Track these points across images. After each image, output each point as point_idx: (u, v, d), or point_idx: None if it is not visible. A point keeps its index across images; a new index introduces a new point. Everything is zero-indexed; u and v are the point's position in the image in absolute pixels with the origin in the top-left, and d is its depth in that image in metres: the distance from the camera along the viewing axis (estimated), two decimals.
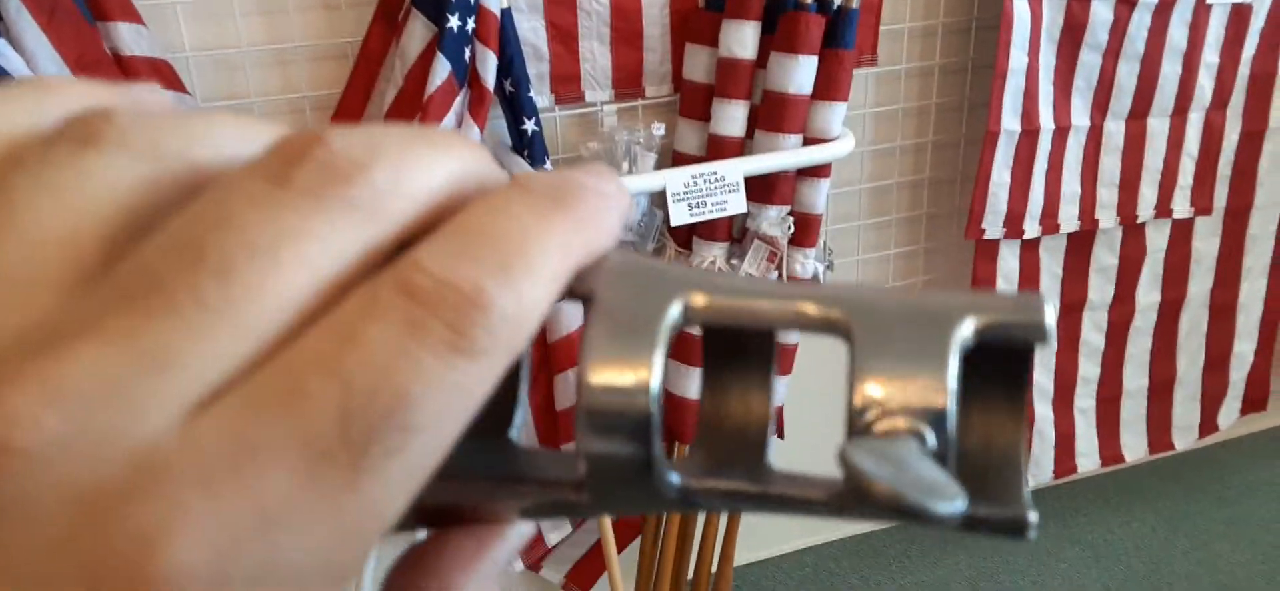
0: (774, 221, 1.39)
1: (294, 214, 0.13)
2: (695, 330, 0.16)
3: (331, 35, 1.24)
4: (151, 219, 0.13)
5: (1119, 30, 1.53)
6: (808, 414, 1.76)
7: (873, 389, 0.15)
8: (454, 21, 1.14)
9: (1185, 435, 1.95)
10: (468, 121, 1.19)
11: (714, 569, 1.66)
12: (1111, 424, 1.89)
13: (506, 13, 1.22)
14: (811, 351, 1.64)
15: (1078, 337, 1.79)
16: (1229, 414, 1.96)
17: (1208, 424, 1.96)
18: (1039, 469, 1.84)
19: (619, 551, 1.49)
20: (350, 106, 1.24)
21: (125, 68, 1.11)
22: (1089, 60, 1.55)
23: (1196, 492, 2.05)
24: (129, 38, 1.11)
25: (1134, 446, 1.92)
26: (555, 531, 1.49)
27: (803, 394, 1.68)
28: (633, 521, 1.55)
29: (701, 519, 1.63)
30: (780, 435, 1.58)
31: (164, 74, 1.15)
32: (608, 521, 1.45)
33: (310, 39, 1.24)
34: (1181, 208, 1.73)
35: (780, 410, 1.54)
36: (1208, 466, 2.10)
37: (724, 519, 1.64)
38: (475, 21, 1.17)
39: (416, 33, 1.17)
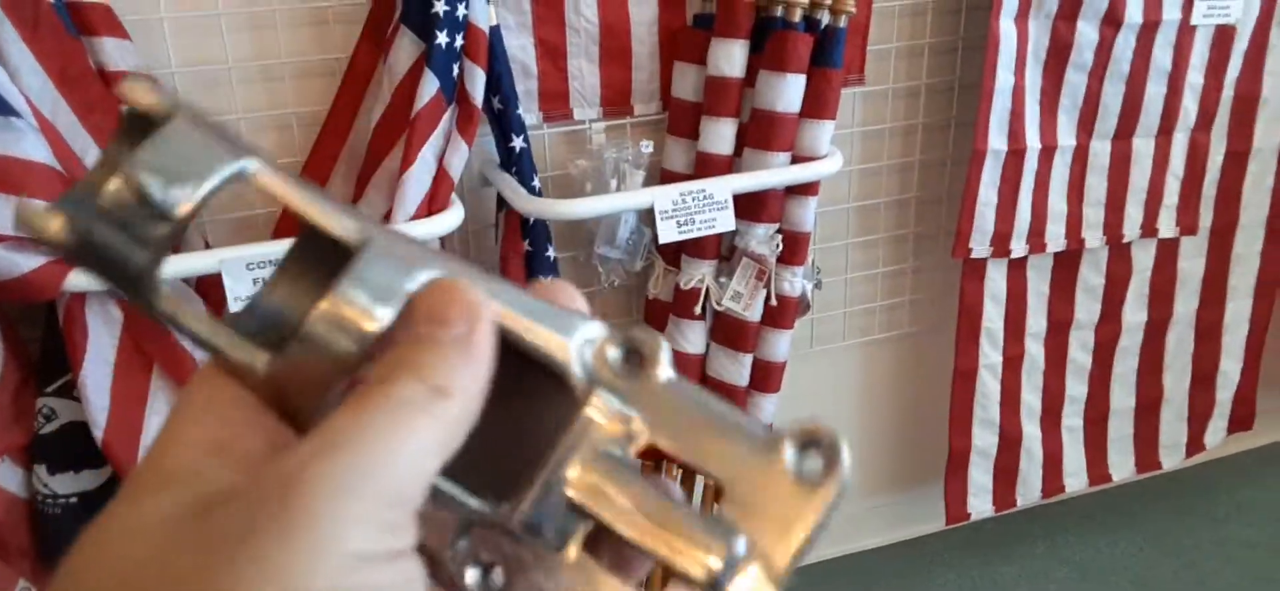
0: (762, 239, 1.38)
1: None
2: None
3: (319, 51, 1.23)
4: None
5: (1104, 51, 1.54)
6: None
7: None
8: (442, 38, 1.14)
9: (1172, 454, 1.95)
10: (455, 138, 1.19)
11: None
12: (1099, 443, 1.89)
13: (495, 30, 1.22)
14: (800, 369, 1.64)
15: (1065, 357, 1.80)
16: (1216, 433, 1.97)
17: (1195, 443, 1.96)
18: (1027, 488, 1.84)
19: None
20: (337, 123, 1.24)
21: (109, 82, 1.10)
22: (1075, 80, 1.55)
23: (1184, 512, 2.05)
24: (114, 52, 1.10)
25: (1121, 466, 1.92)
26: None
27: (795, 408, 1.67)
28: None
29: None
30: None
31: None
32: None
33: (297, 55, 1.23)
34: (1167, 227, 1.74)
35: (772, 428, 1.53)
36: (1196, 486, 2.10)
37: None
38: (464, 38, 1.16)
39: (404, 49, 1.16)
